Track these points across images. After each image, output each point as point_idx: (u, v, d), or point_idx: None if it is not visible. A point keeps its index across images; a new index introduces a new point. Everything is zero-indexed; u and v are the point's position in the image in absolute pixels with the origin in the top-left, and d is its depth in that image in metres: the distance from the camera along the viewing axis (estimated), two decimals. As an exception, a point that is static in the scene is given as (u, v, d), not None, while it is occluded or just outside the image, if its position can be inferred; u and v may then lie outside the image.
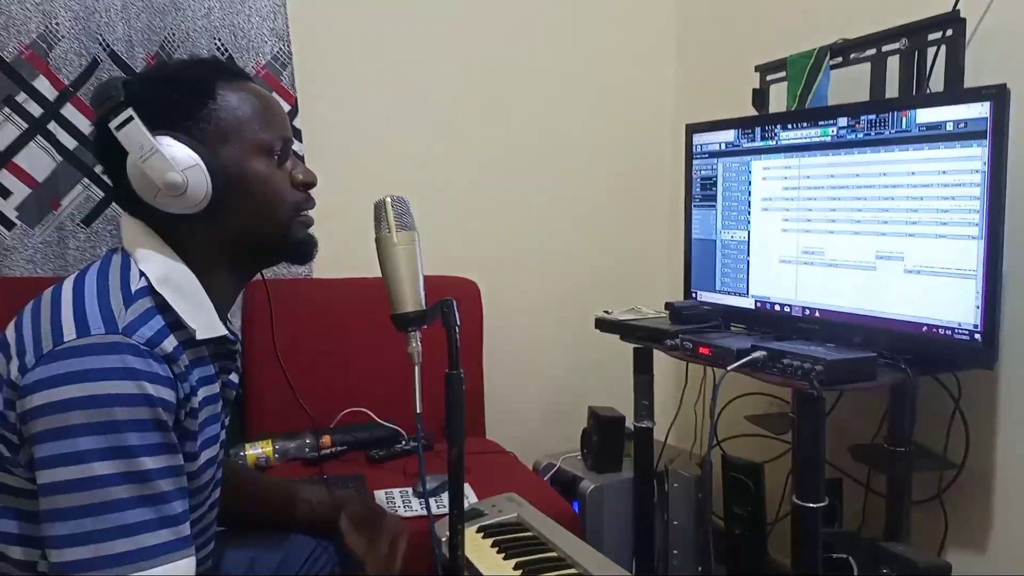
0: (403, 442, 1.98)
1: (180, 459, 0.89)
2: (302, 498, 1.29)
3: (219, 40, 2.02)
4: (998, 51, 1.55)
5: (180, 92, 0.96)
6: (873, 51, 1.68)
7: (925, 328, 1.44)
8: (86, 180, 1.95)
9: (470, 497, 1.68)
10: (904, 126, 1.47)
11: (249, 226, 0.99)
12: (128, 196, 0.95)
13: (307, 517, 1.28)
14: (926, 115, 1.43)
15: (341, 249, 2.16)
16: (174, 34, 1.98)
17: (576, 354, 2.49)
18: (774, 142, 1.73)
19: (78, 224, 1.96)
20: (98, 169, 1.95)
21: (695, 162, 1.95)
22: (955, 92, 1.50)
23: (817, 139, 1.63)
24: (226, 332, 0.99)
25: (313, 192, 1.09)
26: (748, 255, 1.81)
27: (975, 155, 1.36)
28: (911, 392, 1.54)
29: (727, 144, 1.85)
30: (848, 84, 1.75)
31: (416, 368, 1.01)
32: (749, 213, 1.80)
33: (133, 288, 0.90)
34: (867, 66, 1.70)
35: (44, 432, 0.81)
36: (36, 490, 0.83)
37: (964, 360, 1.43)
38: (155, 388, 0.84)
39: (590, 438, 2.14)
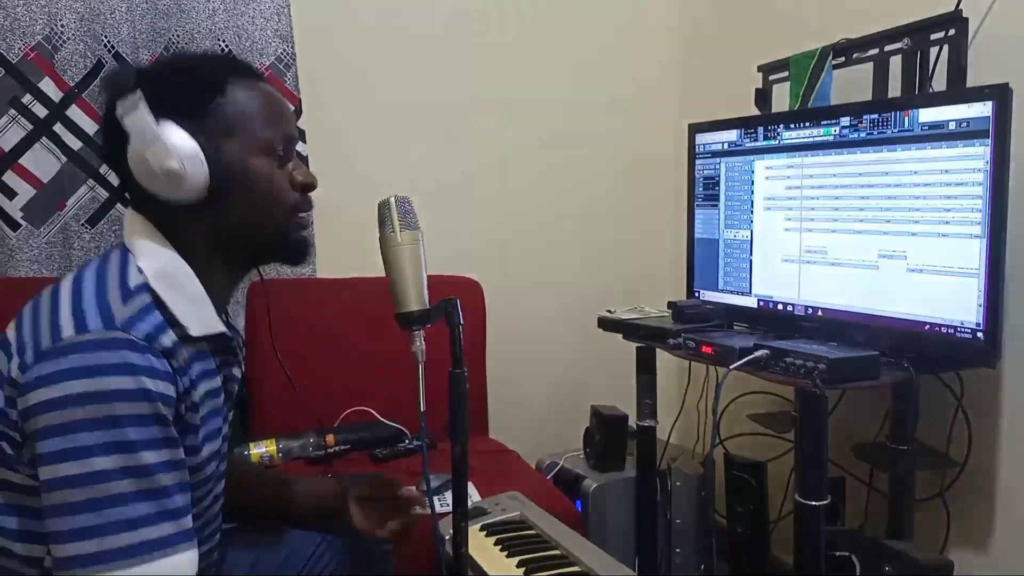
0: (406, 441, 1.99)
1: (181, 453, 0.89)
2: (303, 491, 1.30)
3: (223, 42, 2.03)
4: (1000, 50, 1.55)
5: (190, 84, 0.97)
6: (875, 51, 1.68)
7: (927, 327, 1.44)
8: (91, 181, 1.97)
9: (473, 496, 1.69)
10: (906, 125, 1.47)
11: (246, 222, 1.00)
12: (128, 183, 0.97)
13: (312, 510, 1.29)
14: (928, 114, 1.43)
15: (345, 249, 2.18)
16: (178, 36, 1.99)
17: (579, 353, 2.50)
18: (777, 142, 1.73)
19: (83, 225, 1.97)
20: (103, 170, 1.97)
21: (698, 162, 1.96)
22: (957, 91, 1.50)
23: (820, 139, 1.63)
24: (223, 328, 0.99)
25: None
26: (751, 254, 1.81)
27: (977, 154, 1.36)
28: (914, 391, 1.54)
29: (730, 144, 1.85)
30: (851, 84, 1.75)
31: (420, 367, 1.01)
32: (752, 212, 1.80)
33: (131, 284, 0.90)
34: (870, 66, 1.70)
35: (45, 428, 0.82)
36: (39, 486, 0.84)
37: (966, 359, 1.44)
38: (154, 383, 0.85)
39: (593, 437, 2.15)
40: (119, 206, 1.97)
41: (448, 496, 1.65)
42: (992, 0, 1.56)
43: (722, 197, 1.88)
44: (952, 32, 1.54)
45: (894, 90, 1.66)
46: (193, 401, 0.92)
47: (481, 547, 1.39)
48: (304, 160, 2.07)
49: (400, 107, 2.30)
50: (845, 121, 1.58)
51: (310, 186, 1.05)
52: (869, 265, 1.54)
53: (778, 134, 1.73)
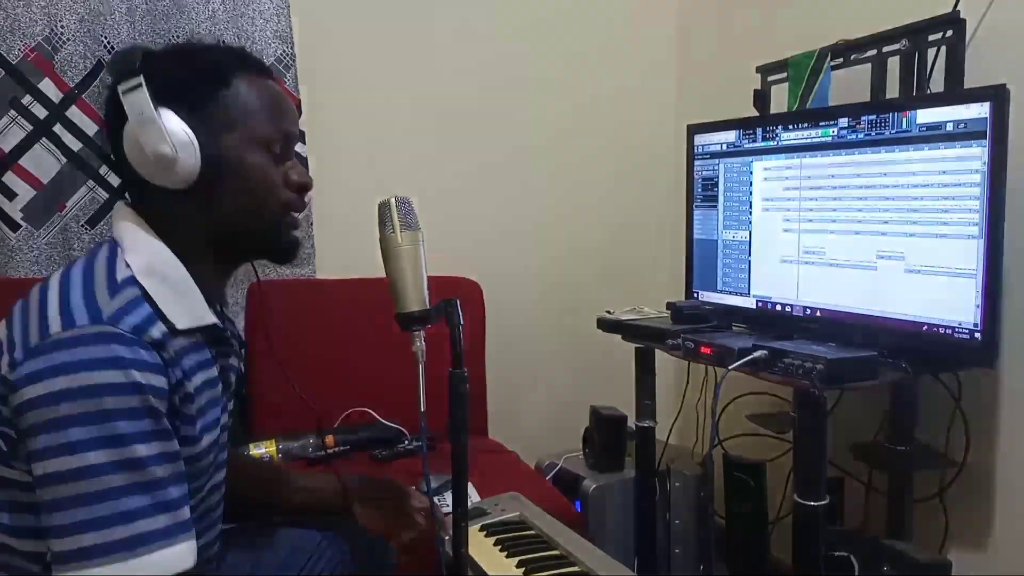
0: (406, 442, 1.99)
1: (175, 445, 0.89)
2: (301, 485, 1.31)
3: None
4: (998, 52, 1.55)
5: (194, 73, 0.97)
6: (874, 52, 1.69)
7: (926, 327, 1.44)
8: (91, 182, 1.97)
9: (473, 496, 1.69)
10: (904, 126, 1.47)
11: (236, 217, 1.00)
12: (122, 168, 0.97)
13: (308, 505, 1.30)
14: (926, 115, 1.44)
15: (344, 250, 2.18)
16: (178, 37, 1.99)
17: (578, 354, 2.50)
18: (775, 143, 1.74)
19: (83, 226, 1.97)
20: (103, 171, 1.97)
21: (696, 162, 1.96)
22: (955, 92, 1.50)
23: (818, 140, 1.64)
24: (214, 320, 0.99)
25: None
26: (749, 255, 1.82)
27: (975, 155, 1.36)
28: (912, 391, 1.54)
29: (728, 145, 1.86)
30: (849, 85, 1.76)
31: (420, 367, 1.02)
32: (750, 213, 1.81)
33: (119, 278, 0.90)
34: (868, 67, 1.71)
35: (36, 425, 0.82)
36: (34, 482, 0.84)
37: (964, 359, 1.44)
38: (144, 375, 0.85)
39: (592, 437, 2.15)
40: (119, 207, 1.97)
41: (448, 496, 1.66)
42: (989, 1, 1.57)
43: (721, 198, 1.89)
44: (950, 33, 1.55)
45: (892, 91, 1.66)
46: (187, 392, 0.92)
47: (481, 547, 1.39)
48: (303, 161, 2.07)
49: (399, 108, 2.30)
50: (843, 122, 1.58)
51: (305, 186, 1.05)
52: (867, 266, 1.55)
53: (776, 135, 1.73)
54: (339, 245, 2.21)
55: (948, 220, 1.41)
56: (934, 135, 1.42)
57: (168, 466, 0.86)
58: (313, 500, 1.30)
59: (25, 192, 1.92)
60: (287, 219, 1.05)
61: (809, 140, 1.66)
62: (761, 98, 1.99)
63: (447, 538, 1.31)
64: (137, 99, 0.92)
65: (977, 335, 1.37)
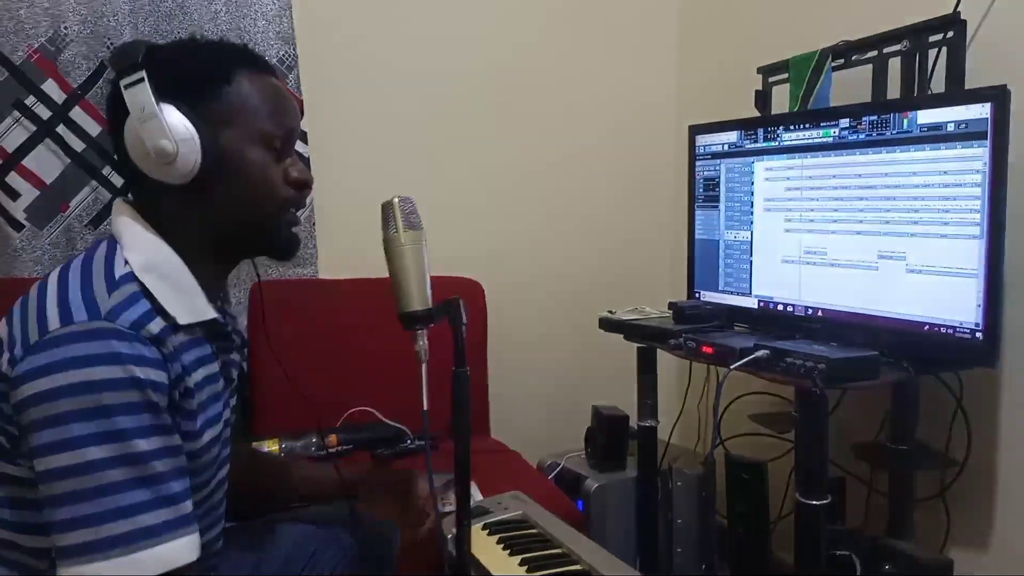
0: (408, 441, 2.00)
1: (175, 440, 0.90)
2: (306, 476, 1.32)
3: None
4: (998, 52, 1.56)
5: (197, 69, 0.98)
6: (874, 53, 1.69)
7: (927, 327, 1.45)
8: (94, 183, 1.97)
9: (475, 495, 1.69)
10: (905, 127, 1.48)
11: (235, 213, 1.00)
12: (123, 162, 0.98)
13: (309, 497, 1.31)
14: (927, 116, 1.44)
15: (346, 250, 2.19)
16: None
17: (580, 354, 2.50)
18: (777, 143, 1.74)
19: (86, 226, 1.98)
20: (106, 171, 1.98)
21: (698, 163, 1.97)
22: (956, 93, 1.51)
23: (819, 140, 1.64)
24: (214, 315, 1.00)
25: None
26: (751, 255, 1.82)
27: (976, 155, 1.37)
28: (913, 391, 1.55)
29: (730, 145, 1.86)
30: (850, 86, 1.76)
31: (423, 366, 1.02)
32: (752, 213, 1.81)
33: (117, 274, 0.91)
34: (869, 68, 1.71)
35: (36, 421, 0.83)
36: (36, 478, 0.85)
37: (966, 359, 1.44)
38: (143, 370, 0.85)
39: (594, 437, 2.15)
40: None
41: (450, 495, 1.66)
42: (990, 2, 1.57)
43: (722, 198, 1.89)
44: (951, 34, 1.55)
45: (893, 92, 1.67)
46: (188, 387, 0.93)
47: (484, 546, 1.40)
48: (305, 161, 2.07)
49: (402, 109, 2.31)
50: (844, 123, 1.59)
51: (304, 183, 1.05)
52: (869, 266, 1.55)
53: (778, 135, 1.74)
54: (341, 245, 2.22)
55: (949, 220, 1.41)
56: (935, 135, 1.43)
57: (169, 460, 0.87)
58: (318, 491, 1.31)
59: (28, 192, 1.92)
60: (287, 216, 1.05)
61: (810, 140, 1.66)
62: (762, 99, 1.99)
63: (450, 536, 1.32)
64: (139, 94, 0.92)
65: (978, 335, 1.37)
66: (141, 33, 1.96)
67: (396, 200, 1.04)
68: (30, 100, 1.90)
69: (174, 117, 0.93)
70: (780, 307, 1.75)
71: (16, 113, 1.89)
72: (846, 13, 1.91)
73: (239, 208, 1.00)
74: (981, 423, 1.60)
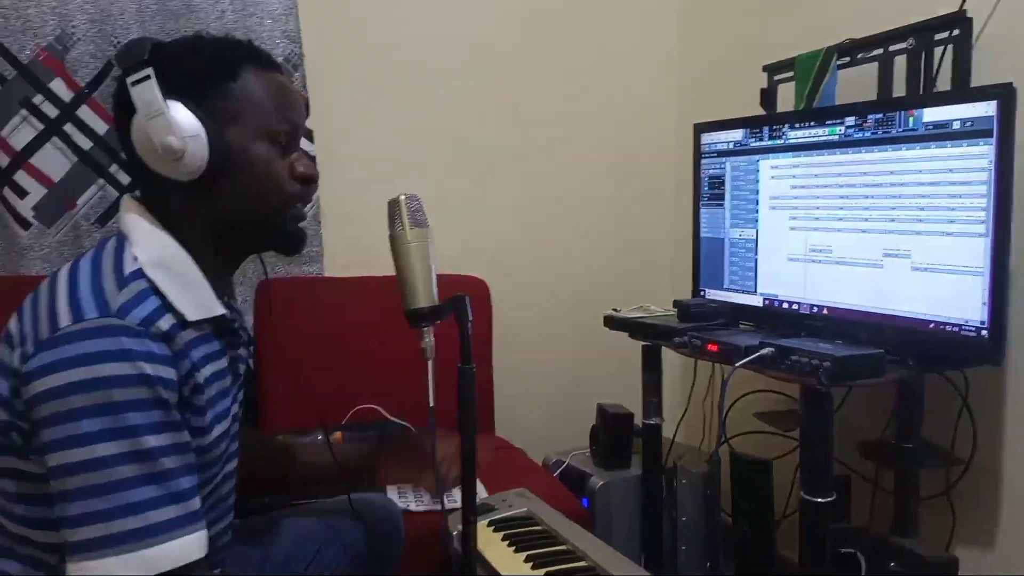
0: (413, 439, 2.00)
1: (185, 436, 0.90)
2: (304, 461, 1.33)
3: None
4: (1004, 50, 1.55)
5: (204, 65, 0.98)
6: (880, 51, 1.69)
7: (932, 325, 1.45)
8: (101, 181, 1.98)
9: (480, 492, 1.70)
10: (911, 125, 1.48)
11: (241, 208, 1.00)
12: (130, 159, 0.98)
13: (311, 481, 1.32)
14: (933, 114, 1.44)
15: (351, 248, 2.20)
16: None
17: (585, 352, 2.51)
18: (782, 141, 1.74)
19: (93, 224, 1.99)
20: (113, 169, 1.99)
21: (703, 161, 1.97)
22: (962, 91, 1.51)
23: (825, 138, 1.64)
24: (223, 310, 1.00)
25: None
26: (756, 253, 1.82)
27: (982, 153, 1.37)
28: (918, 389, 1.55)
29: (735, 143, 1.86)
30: (855, 84, 1.76)
31: (429, 363, 1.03)
32: (757, 212, 1.81)
33: (126, 271, 0.91)
34: (874, 66, 1.71)
35: (47, 417, 0.83)
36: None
37: (971, 357, 1.44)
38: (152, 367, 0.86)
39: (599, 435, 2.16)
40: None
41: (455, 492, 1.67)
42: (996, 0, 1.57)
43: (727, 196, 1.89)
44: (956, 32, 1.55)
45: (899, 90, 1.67)
46: (197, 383, 0.93)
47: (489, 543, 1.40)
48: (311, 159, 2.08)
49: (406, 107, 2.31)
50: (850, 121, 1.59)
51: (310, 178, 1.05)
52: (874, 264, 1.55)
53: (783, 134, 1.73)
54: (347, 243, 2.22)
55: (955, 218, 1.41)
56: (941, 134, 1.43)
57: (178, 457, 0.88)
58: (328, 470, 1.31)
59: (36, 190, 1.94)
60: (292, 211, 1.05)
61: (816, 139, 1.66)
62: (768, 97, 1.99)
63: (455, 533, 1.33)
64: (146, 90, 0.93)
65: (984, 333, 1.37)
66: (148, 32, 1.97)
67: (402, 198, 1.04)
68: (38, 99, 1.91)
69: (181, 114, 0.94)
70: (785, 305, 1.75)
71: (24, 111, 1.90)
72: (852, 11, 1.90)
73: (246, 203, 1.00)
74: (986, 421, 1.60)
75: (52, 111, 1.92)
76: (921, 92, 1.62)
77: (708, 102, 2.48)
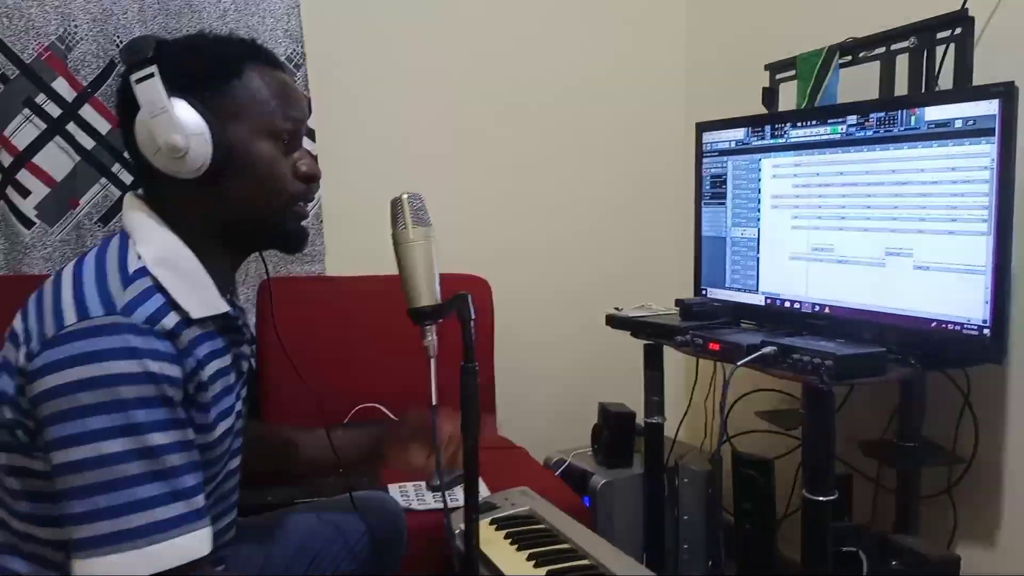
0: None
1: (190, 434, 0.91)
2: (309, 450, 1.31)
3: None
4: (1006, 49, 1.55)
5: (207, 63, 0.98)
6: (882, 49, 1.69)
7: (934, 324, 1.45)
8: (104, 180, 1.98)
9: (482, 491, 1.70)
10: (913, 124, 1.48)
11: (244, 205, 1.00)
12: (133, 156, 0.98)
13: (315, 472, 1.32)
14: (935, 113, 1.44)
15: (353, 248, 2.20)
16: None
17: (586, 351, 2.51)
18: (784, 140, 1.74)
19: (95, 223, 1.99)
20: (115, 168, 1.99)
21: (705, 160, 1.97)
22: (964, 90, 1.51)
23: (827, 137, 1.64)
24: (227, 308, 1.01)
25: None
26: (758, 252, 1.82)
27: (984, 152, 1.37)
28: (920, 387, 1.55)
29: (737, 142, 1.86)
30: (857, 82, 1.76)
31: (432, 361, 1.03)
32: (759, 210, 1.81)
33: (131, 269, 0.91)
34: (876, 64, 1.71)
35: (53, 415, 0.83)
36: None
37: (973, 355, 1.44)
38: (158, 365, 0.86)
39: (601, 434, 2.16)
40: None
41: (457, 492, 1.67)
42: (998, -1, 1.57)
43: (729, 195, 1.89)
44: (958, 31, 1.55)
45: (901, 89, 1.67)
46: (202, 380, 0.93)
47: (491, 541, 1.41)
48: (314, 159, 2.08)
49: (409, 106, 2.31)
50: (852, 119, 1.59)
51: (312, 176, 1.06)
52: (876, 262, 1.55)
53: (785, 132, 1.74)
54: (348, 243, 2.23)
55: (957, 217, 1.41)
56: (943, 132, 1.43)
57: (183, 454, 0.88)
58: (330, 462, 1.30)
59: (39, 190, 1.94)
60: (295, 209, 1.05)
61: (818, 137, 1.66)
62: (770, 95, 1.99)
63: (458, 532, 1.33)
64: (150, 89, 0.93)
65: (986, 331, 1.37)
66: (150, 31, 1.97)
67: (405, 196, 1.04)
68: (40, 98, 1.91)
69: (185, 112, 0.94)
70: (787, 304, 1.75)
71: (27, 111, 1.90)
72: (854, 10, 1.91)
73: (248, 201, 1.00)
74: (988, 419, 1.60)
75: (55, 110, 1.92)
76: (923, 91, 1.62)
77: (710, 101, 2.48)
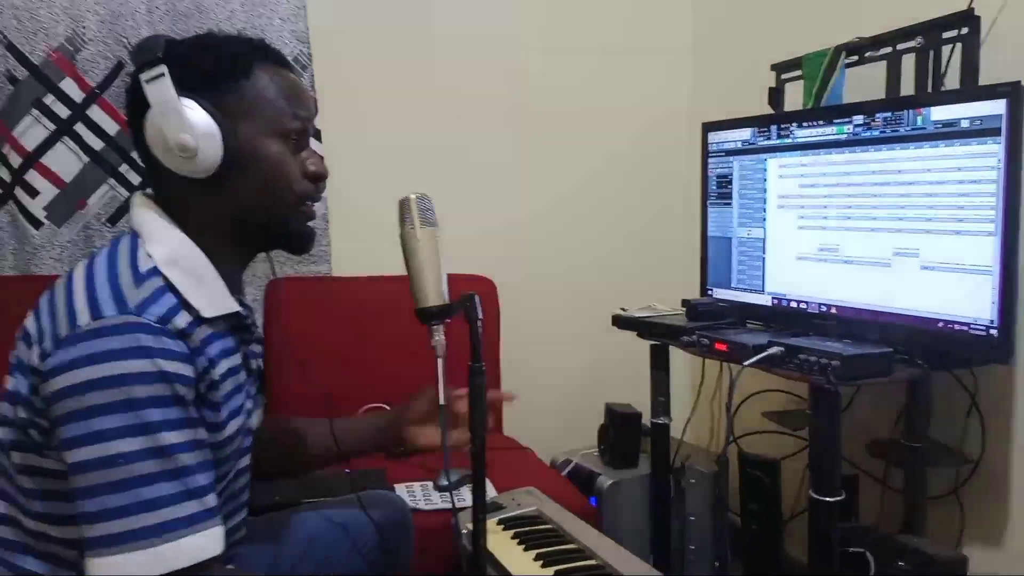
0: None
1: (202, 433, 0.91)
2: (317, 450, 1.31)
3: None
4: (1013, 48, 1.55)
5: (217, 62, 0.99)
6: (888, 49, 1.69)
7: (941, 324, 1.45)
8: (112, 180, 2.00)
9: (489, 491, 1.70)
10: (919, 124, 1.48)
11: (253, 205, 1.01)
12: (143, 156, 0.99)
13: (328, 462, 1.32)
14: (941, 112, 1.44)
15: (359, 248, 2.20)
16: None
17: (593, 351, 2.51)
18: (790, 140, 1.74)
19: (104, 223, 2.00)
20: (123, 169, 2.00)
21: (711, 160, 1.97)
22: (970, 90, 1.51)
23: (833, 137, 1.64)
24: (237, 307, 1.01)
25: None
26: (764, 252, 1.82)
27: (991, 152, 1.36)
28: (927, 388, 1.54)
29: (743, 142, 1.86)
30: (863, 82, 1.76)
31: (440, 360, 1.03)
32: (765, 211, 1.81)
33: (142, 268, 0.92)
34: (882, 64, 1.71)
35: (67, 414, 0.84)
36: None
37: (980, 355, 1.44)
38: (170, 364, 0.86)
39: (607, 434, 2.16)
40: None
41: (464, 491, 1.67)
42: (1005, -2, 1.57)
43: (735, 195, 1.89)
44: (965, 31, 1.54)
45: (907, 88, 1.67)
46: (213, 380, 0.94)
47: (499, 541, 1.41)
48: (320, 158, 2.09)
49: (415, 107, 2.32)
50: (858, 119, 1.59)
51: (320, 176, 1.06)
52: (882, 263, 1.55)
53: (791, 132, 1.74)
54: (354, 243, 2.23)
55: (964, 217, 1.41)
56: (949, 132, 1.43)
57: (195, 453, 0.88)
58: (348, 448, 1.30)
59: (47, 190, 1.95)
60: (303, 208, 1.06)
61: (824, 137, 1.66)
62: (776, 96, 1.99)
63: (465, 532, 1.33)
64: (160, 88, 0.93)
65: (993, 331, 1.37)
66: (157, 31, 1.98)
67: (413, 197, 1.05)
68: (49, 99, 1.92)
69: (195, 111, 0.95)
70: (793, 304, 1.75)
71: (35, 112, 1.91)
72: (860, 10, 1.90)
73: (257, 201, 1.01)
74: (995, 420, 1.60)
75: (63, 111, 1.93)
76: (929, 90, 1.62)
77: (718, 101, 2.48)
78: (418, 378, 1.21)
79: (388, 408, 2.04)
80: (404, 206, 1.05)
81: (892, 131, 1.52)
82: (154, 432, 0.84)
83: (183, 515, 0.85)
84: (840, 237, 1.63)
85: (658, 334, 1.89)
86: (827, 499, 1.42)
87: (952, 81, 1.59)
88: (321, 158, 1.09)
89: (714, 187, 1.96)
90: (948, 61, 1.60)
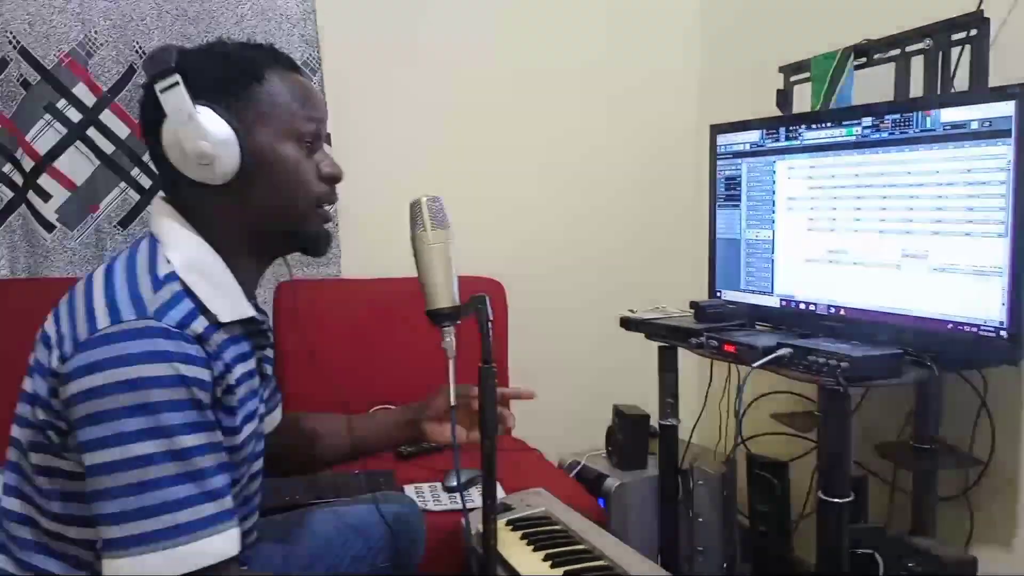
0: (432, 439, 2.01)
1: (218, 436, 0.92)
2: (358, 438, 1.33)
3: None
4: (1022, 50, 1.55)
5: (229, 69, 1.00)
6: (897, 51, 1.69)
7: (951, 325, 1.44)
8: (123, 184, 2.01)
9: (498, 492, 1.70)
10: (928, 125, 1.48)
11: (270, 209, 1.02)
12: (160, 164, 1.00)
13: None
14: (950, 114, 1.44)
15: (369, 250, 2.21)
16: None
17: (601, 353, 2.51)
18: (798, 142, 1.74)
19: (115, 227, 2.02)
20: (135, 173, 2.01)
21: (719, 162, 1.97)
22: (979, 91, 1.50)
23: (842, 139, 1.64)
24: (253, 312, 1.02)
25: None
26: (773, 254, 1.82)
27: (1000, 154, 1.36)
28: (937, 389, 1.54)
29: (751, 144, 1.87)
30: (872, 84, 1.76)
31: (451, 362, 1.04)
32: (774, 213, 1.81)
33: (161, 273, 0.93)
34: (891, 66, 1.71)
35: (85, 417, 0.85)
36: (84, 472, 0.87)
37: (990, 357, 1.43)
38: (189, 368, 0.87)
39: (615, 436, 2.16)
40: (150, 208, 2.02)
41: (474, 492, 1.68)
42: (1014, 0, 1.57)
43: (744, 197, 1.90)
44: (974, 32, 1.54)
45: (916, 90, 1.66)
46: (229, 384, 0.95)
47: (508, 542, 1.41)
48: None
49: (424, 109, 2.33)
50: (867, 121, 1.59)
51: (336, 178, 1.07)
52: (892, 265, 1.55)
53: (800, 135, 1.74)
54: (364, 246, 2.24)
55: (973, 219, 1.41)
56: (959, 134, 1.42)
57: (213, 456, 0.89)
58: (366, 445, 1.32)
59: (60, 194, 1.97)
60: (319, 211, 1.07)
61: (833, 139, 1.66)
62: (784, 98, 1.99)
63: (475, 533, 1.34)
64: (175, 97, 0.94)
65: (1003, 333, 1.37)
66: (168, 36, 2.00)
67: (424, 199, 1.06)
68: (61, 103, 1.94)
69: (211, 119, 0.96)
70: (802, 306, 1.75)
71: (48, 116, 1.93)
72: (868, 11, 1.90)
73: (275, 205, 1.02)
74: (1005, 421, 1.59)
75: (75, 115, 1.95)
76: (939, 92, 1.61)
77: (724, 103, 2.48)
78: (428, 380, 1.22)
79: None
80: (415, 208, 1.06)
81: (901, 133, 1.52)
82: (172, 435, 0.85)
83: (201, 516, 0.86)
84: (849, 239, 1.63)
85: (666, 336, 1.89)
86: (836, 500, 1.41)
87: (961, 83, 1.59)
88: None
89: (723, 189, 1.96)
90: (957, 63, 1.60)
